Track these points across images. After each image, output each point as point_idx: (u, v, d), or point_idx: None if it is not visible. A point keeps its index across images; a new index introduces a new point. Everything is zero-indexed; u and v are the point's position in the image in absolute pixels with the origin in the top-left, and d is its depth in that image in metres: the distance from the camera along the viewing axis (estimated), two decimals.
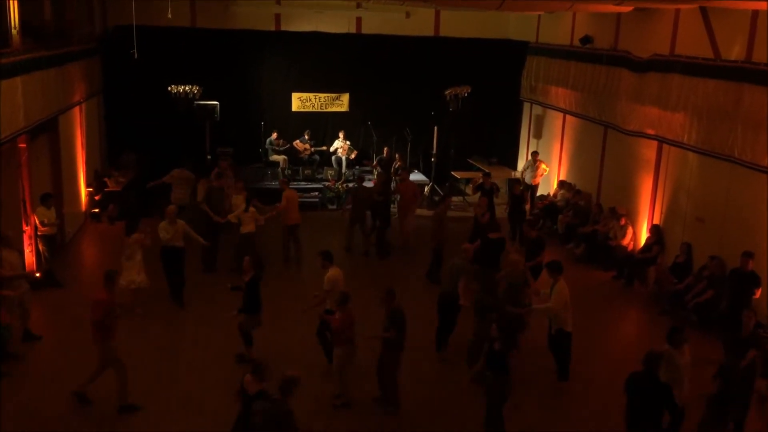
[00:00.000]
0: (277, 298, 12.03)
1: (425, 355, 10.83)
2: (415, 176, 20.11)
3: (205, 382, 9.86)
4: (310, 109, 20.61)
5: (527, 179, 18.63)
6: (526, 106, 21.00)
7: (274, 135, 19.62)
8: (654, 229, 14.30)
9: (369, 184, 17.07)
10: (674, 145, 13.49)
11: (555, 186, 18.78)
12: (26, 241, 12.69)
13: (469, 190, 19.84)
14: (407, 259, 15.30)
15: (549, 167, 18.87)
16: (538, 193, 19.59)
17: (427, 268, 14.02)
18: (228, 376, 9.62)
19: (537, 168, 18.67)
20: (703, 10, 12.34)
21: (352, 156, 20.00)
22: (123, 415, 9.00)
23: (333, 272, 10.00)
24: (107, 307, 8.87)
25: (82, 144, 16.49)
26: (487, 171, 17.79)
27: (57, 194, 14.14)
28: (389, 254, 15.51)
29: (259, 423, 6.97)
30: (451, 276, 10.77)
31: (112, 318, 8.95)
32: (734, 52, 11.93)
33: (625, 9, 14.43)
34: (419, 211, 18.16)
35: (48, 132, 14.13)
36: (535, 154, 18.96)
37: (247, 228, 13.52)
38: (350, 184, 18.05)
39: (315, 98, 20.57)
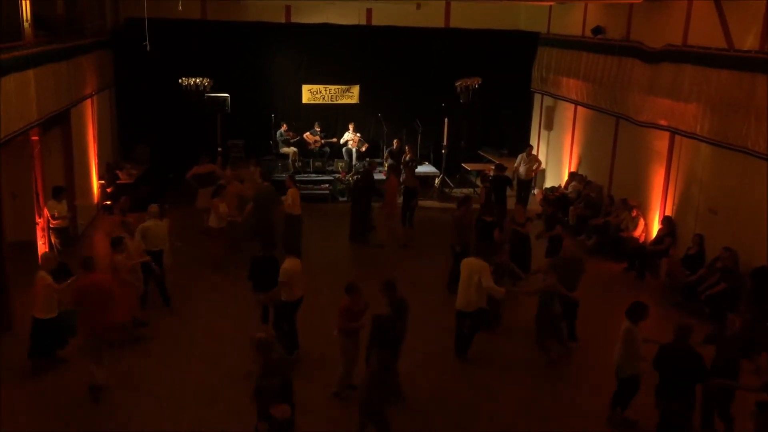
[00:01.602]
0: None
1: (439, 349, 10.90)
2: (426, 168, 20.13)
3: (218, 372, 9.92)
4: (321, 101, 20.61)
5: (521, 173, 18.27)
6: (537, 98, 20.92)
7: (284, 127, 19.63)
8: (666, 221, 14.23)
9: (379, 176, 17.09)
10: (687, 136, 13.40)
11: (566, 177, 18.71)
12: (39, 233, 12.79)
13: (479, 181, 19.81)
14: (414, 253, 15.33)
15: (559, 159, 18.81)
16: (549, 185, 19.56)
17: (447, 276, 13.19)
18: (241, 367, 9.67)
19: (532, 162, 18.40)
20: (717, 0, 12.24)
21: (363, 148, 20.00)
22: (136, 404, 9.10)
23: (288, 263, 10.03)
24: None
25: (93, 136, 16.57)
26: (499, 164, 17.69)
27: (69, 187, 14.22)
28: (357, 240, 15.57)
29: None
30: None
31: None
32: (748, 42, 11.81)
33: None
34: (429, 203, 18.19)
35: (60, 125, 14.20)
36: (529, 147, 18.85)
37: (298, 210, 14.04)
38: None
39: (325, 90, 20.55)
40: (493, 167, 17.59)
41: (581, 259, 11.37)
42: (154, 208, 11.98)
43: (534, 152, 19.21)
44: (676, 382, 7.75)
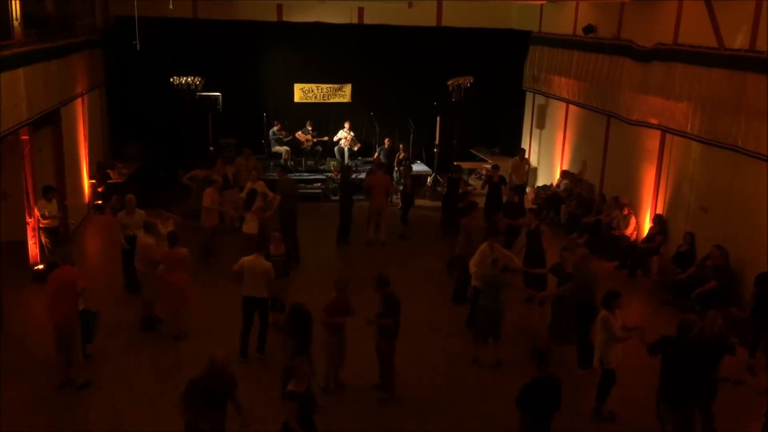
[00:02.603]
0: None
1: (432, 348, 10.92)
2: (418, 167, 20.13)
3: None
4: (313, 100, 20.58)
5: (516, 178, 17.75)
6: (529, 96, 20.96)
7: (277, 126, 19.60)
8: (657, 219, 14.29)
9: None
10: (677, 135, 13.45)
11: (558, 176, 18.75)
12: (29, 233, 12.72)
13: (472, 180, 19.83)
14: (408, 252, 15.34)
15: (550, 157, 18.76)
16: (540, 183, 19.58)
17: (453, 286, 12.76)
18: (234, 366, 9.61)
19: (524, 165, 18.04)
20: None
21: (356, 147, 19.98)
22: (130, 404, 9.09)
23: (246, 257, 10.20)
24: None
25: (84, 136, 16.50)
26: (495, 164, 17.64)
27: (60, 186, 14.14)
28: (345, 243, 15.53)
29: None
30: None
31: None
32: (738, 40, 11.87)
33: None
34: (421, 202, 18.18)
35: (50, 124, 14.13)
36: (522, 151, 18.57)
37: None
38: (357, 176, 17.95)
39: (317, 89, 20.53)
40: (490, 167, 17.52)
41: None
42: (132, 198, 12.22)
43: (526, 156, 18.82)
44: (679, 376, 7.91)
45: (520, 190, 17.76)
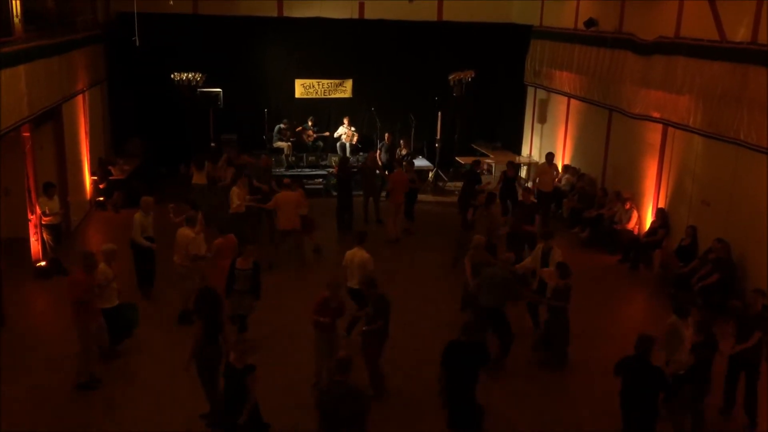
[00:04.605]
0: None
1: (435, 343, 10.85)
2: (420, 162, 20.11)
3: None
4: (314, 96, 20.57)
5: (543, 185, 16.58)
6: (530, 91, 20.92)
7: (285, 124, 19.56)
8: (659, 213, 14.28)
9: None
10: (679, 128, 13.43)
11: (560, 170, 18.70)
12: (32, 230, 12.73)
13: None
14: (412, 246, 15.32)
15: (552, 152, 18.68)
16: None
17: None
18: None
19: (552, 172, 16.91)
20: None
21: (354, 140, 19.98)
22: (132, 399, 9.10)
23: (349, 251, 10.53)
24: (86, 287, 9.17)
25: (86, 132, 16.50)
26: (502, 157, 17.53)
27: (61, 183, 14.15)
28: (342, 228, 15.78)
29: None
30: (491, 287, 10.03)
31: (90, 297, 9.24)
32: (740, 33, 11.82)
33: None
34: (423, 197, 18.17)
35: (52, 120, 14.13)
36: (550, 155, 17.06)
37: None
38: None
39: (318, 84, 20.52)
40: (507, 163, 17.22)
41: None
42: (148, 200, 12.05)
43: (555, 161, 17.52)
44: (636, 393, 7.63)
45: (547, 198, 16.57)
